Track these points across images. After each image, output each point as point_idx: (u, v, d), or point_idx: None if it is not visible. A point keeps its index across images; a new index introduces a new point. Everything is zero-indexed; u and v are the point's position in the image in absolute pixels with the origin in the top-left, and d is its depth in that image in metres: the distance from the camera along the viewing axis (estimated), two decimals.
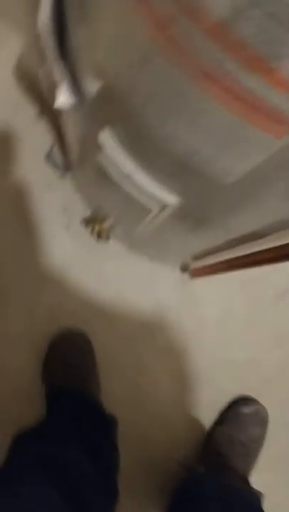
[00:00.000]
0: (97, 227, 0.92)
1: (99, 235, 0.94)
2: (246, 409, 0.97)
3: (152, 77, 0.36)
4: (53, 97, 0.57)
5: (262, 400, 0.98)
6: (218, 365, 1.01)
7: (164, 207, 0.56)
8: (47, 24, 0.52)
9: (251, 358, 1.03)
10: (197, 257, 0.89)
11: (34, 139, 1.00)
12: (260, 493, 0.81)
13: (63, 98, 0.55)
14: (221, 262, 0.80)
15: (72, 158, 0.84)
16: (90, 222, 0.95)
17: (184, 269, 1.00)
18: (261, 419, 0.97)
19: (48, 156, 0.98)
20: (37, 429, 0.77)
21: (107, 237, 0.94)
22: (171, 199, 0.54)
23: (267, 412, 0.98)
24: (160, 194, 0.54)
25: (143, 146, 0.49)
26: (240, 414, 0.96)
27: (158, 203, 0.56)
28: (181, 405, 0.98)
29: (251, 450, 0.93)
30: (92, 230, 0.94)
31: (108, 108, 0.51)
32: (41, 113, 0.99)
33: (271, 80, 0.27)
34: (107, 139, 0.54)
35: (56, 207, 0.99)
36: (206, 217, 0.57)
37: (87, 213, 0.98)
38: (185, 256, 0.91)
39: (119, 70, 0.41)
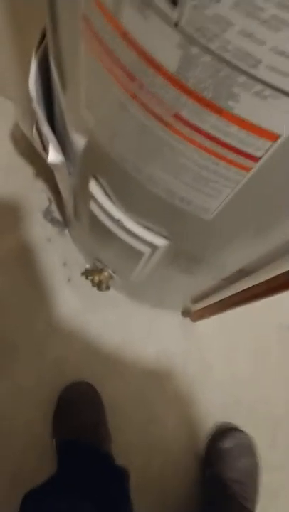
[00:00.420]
0: (96, 278, 0.94)
1: (99, 286, 0.96)
2: (226, 444, 0.91)
3: (129, 124, 0.39)
4: (45, 156, 0.61)
5: (277, 439, 0.96)
6: (229, 406, 1.00)
7: (154, 248, 0.59)
8: (34, 90, 0.57)
9: (260, 396, 1.02)
10: (196, 300, 0.90)
11: (33, 198, 1.05)
12: None
13: (53, 156, 0.59)
14: (220, 302, 0.81)
15: (69, 212, 0.88)
16: (89, 273, 0.97)
17: (185, 313, 1.02)
18: (247, 448, 0.92)
19: (46, 213, 1.02)
20: (48, 484, 0.76)
21: (107, 287, 0.96)
22: (160, 240, 0.56)
23: (250, 438, 0.92)
24: (149, 236, 0.56)
25: (129, 193, 0.52)
26: (223, 451, 0.91)
27: (148, 245, 0.58)
28: (194, 451, 0.97)
29: (249, 482, 0.88)
30: (93, 281, 0.96)
31: (94, 160, 0.54)
32: (37, 173, 1.04)
33: (228, 118, 0.30)
34: (96, 188, 0.58)
35: (57, 261, 1.03)
36: (196, 255, 0.59)
37: (87, 265, 1.01)
38: (184, 299, 0.93)
39: (100, 122, 0.45)
